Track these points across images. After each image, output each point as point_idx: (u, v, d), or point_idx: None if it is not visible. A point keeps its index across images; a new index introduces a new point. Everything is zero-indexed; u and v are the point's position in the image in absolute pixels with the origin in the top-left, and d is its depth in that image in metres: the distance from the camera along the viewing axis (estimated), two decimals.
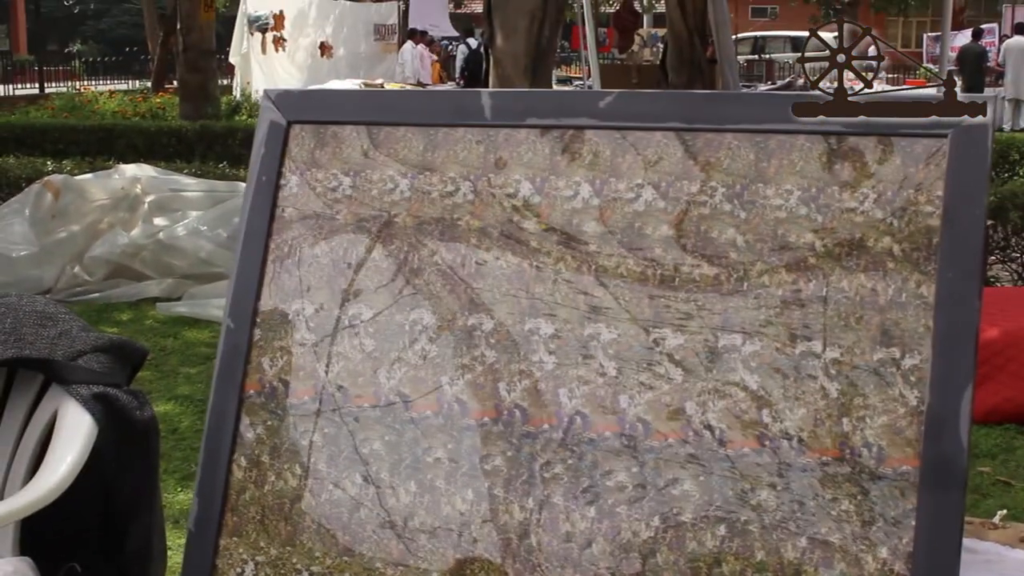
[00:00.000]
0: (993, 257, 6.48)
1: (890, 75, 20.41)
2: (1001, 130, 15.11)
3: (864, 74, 1.92)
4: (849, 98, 1.87)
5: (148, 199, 7.12)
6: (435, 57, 21.25)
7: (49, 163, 8.36)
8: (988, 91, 16.53)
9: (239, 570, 2.09)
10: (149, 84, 22.55)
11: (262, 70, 19.64)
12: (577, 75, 22.37)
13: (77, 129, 12.13)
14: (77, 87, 23.51)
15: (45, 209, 7.02)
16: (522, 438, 1.95)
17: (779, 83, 19.66)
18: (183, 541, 2.21)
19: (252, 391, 2.14)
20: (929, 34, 25.38)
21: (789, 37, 26.69)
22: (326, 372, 2.10)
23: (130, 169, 7.60)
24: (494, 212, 2.05)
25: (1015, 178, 9.20)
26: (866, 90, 1.88)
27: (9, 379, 2.30)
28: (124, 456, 2.24)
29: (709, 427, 1.85)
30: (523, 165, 2.05)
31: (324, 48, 21.32)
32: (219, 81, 17.81)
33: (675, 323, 1.89)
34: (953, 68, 16.79)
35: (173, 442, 4.37)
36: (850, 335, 1.79)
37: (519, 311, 1.99)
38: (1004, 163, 9.60)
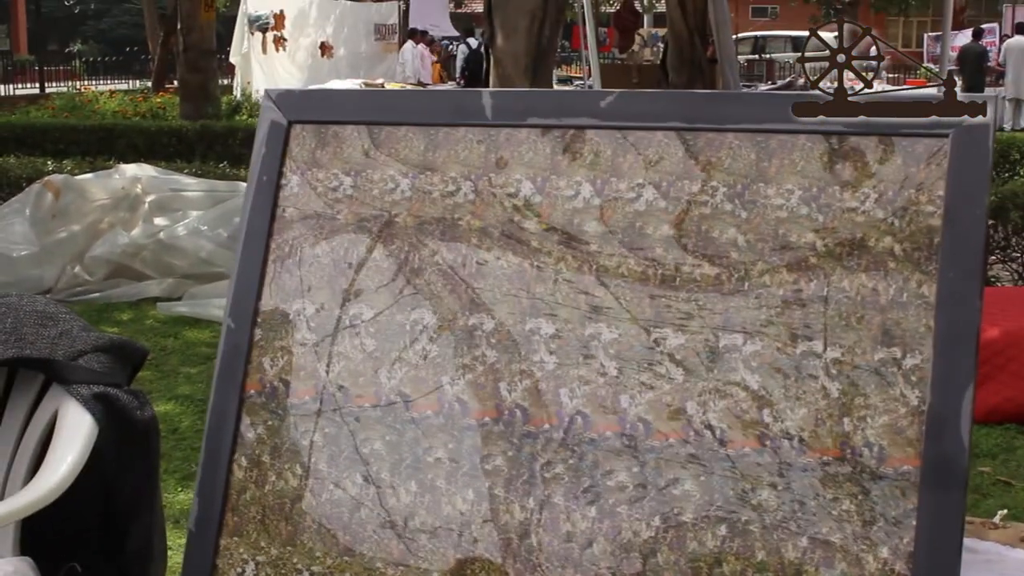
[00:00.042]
0: (993, 257, 6.48)
1: (890, 75, 20.42)
2: (1002, 130, 15.12)
3: (864, 74, 1.92)
4: (849, 98, 1.87)
5: (148, 199, 7.12)
6: (435, 57, 21.25)
7: (49, 163, 8.36)
8: (988, 91, 16.53)
9: (240, 570, 2.09)
10: (149, 84, 22.54)
11: (262, 70, 19.64)
12: (578, 75, 22.37)
13: (77, 129, 12.13)
14: (77, 87, 23.50)
15: (45, 209, 7.02)
16: (523, 438, 1.95)
17: (779, 83, 19.65)
18: (183, 541, 2.21)
19: (253, 391, 2.14)
20: (929, 34, 25.37)
21: (789, 37, 26.69)
22: (327, 372, 2.09)
23: (130, 169, 7.60)
24: (495, 212, 2.05)
25: (1016, 178, 9.19)
26: (866, 90, 1.88)
27: (10, 379, 2.30)
28: (124, 456, 2.24)
29: (710, 427, 1.85)
30: (524, 165, 2.05)
31: (325, 48, 21.32)
32: (219, 81, 17.81)
33: (676, 323, 1.89)
34: (953, 68, 16.79)
35: (173, 442, 4.37)
36: (851, 335, 1.79)
37: (520, 311, 1.99)
38: (1005, 163, 9.60)
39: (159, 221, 7.00)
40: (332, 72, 20.52)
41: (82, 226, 6.99)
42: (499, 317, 2.00)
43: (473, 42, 19.15)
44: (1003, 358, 4.53)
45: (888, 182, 1.82)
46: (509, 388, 1.97)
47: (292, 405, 2.11)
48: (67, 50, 36.06)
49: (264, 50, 20.00)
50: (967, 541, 1.88)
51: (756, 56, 25.57)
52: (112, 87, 23.41)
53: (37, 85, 24.91)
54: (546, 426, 1.94)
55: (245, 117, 16.19)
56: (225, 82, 20.23)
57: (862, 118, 1.86)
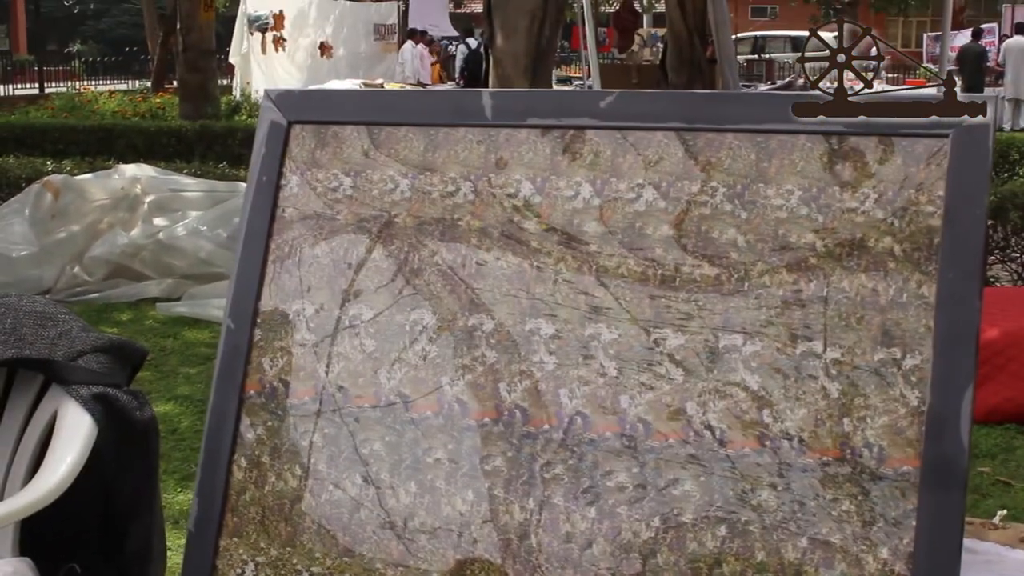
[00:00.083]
0: (993, 257, 6.48)
1: (890, 75, 20.42)
2: (1001, 130, 15.12)
3: (864, 74, 1.92)
4: (849, 98, 1.87)
5: (148, 199, 7.12)
6: (434, 58, 21.25)
7: (49, 163, 8.36)
8: (988, 91, 16.54)
9: (239, 571, 2.09)
10: (149, 84, 22.54)
11: (262, 70, 19.65)
12: (577, 75, 22.37)
13: (77, 129, 12.13)
14: (77, 87, 23.50)
15: (45, 209, 7.02)
16: (522, 438, 1.95)
17: (779, 83, 19.65)
18: (183, 541, 2.21)
19: (252, 391, 2.14)
20: (929, 34, 25.36)
21: (789, 37, 26.69)
22: (326, 372, 2.09)
23: (130, 169, 7.59)
24: (495, 212, 2.05)
25: (1015, 178, 9.20)
26: (866, 90, 1.88)
27: (9, 379, 2.30)
28: (124, 456, 2.24)
29: (710, 427, 1.85)
30: (524, 165, 2.05)
31: (324, 48, 21.32)
32: (219, 81, 17.81)
33: (676, 323, 1.89)
34: (953, 68, 16.79)
35: (173, 442, 4.37)
36: (851, 335, 1.79)
37: (519, 311, 1.99)
38: (1004, 163, 9.60)
39: (158, 221, 7.00)
40: (331, 72, 20.52)
41: (81, 226, 6.98)
42: (499, 317, 2.00)
43: (472, 42, 19.15)
44: (1003, 358, 4.53)
45: (888, 182, 1.82)
46: (509, 389, 1.97)
47: (292, 406, 2.11)
48: (66, 50, 36.07)
49: (263, 50, 20.00)
50: (967, 542, 1.88)
51: (755, 56, 25.57)
52: (111, 87, 23.41)
53: (36, 85, 24.91)
54: (546, 426, 1.94)
55: (244, 117, 16.18)
56: (224, 82, 20.22)
57: (862, 118, 1.86)
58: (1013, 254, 6.60)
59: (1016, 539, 2.31)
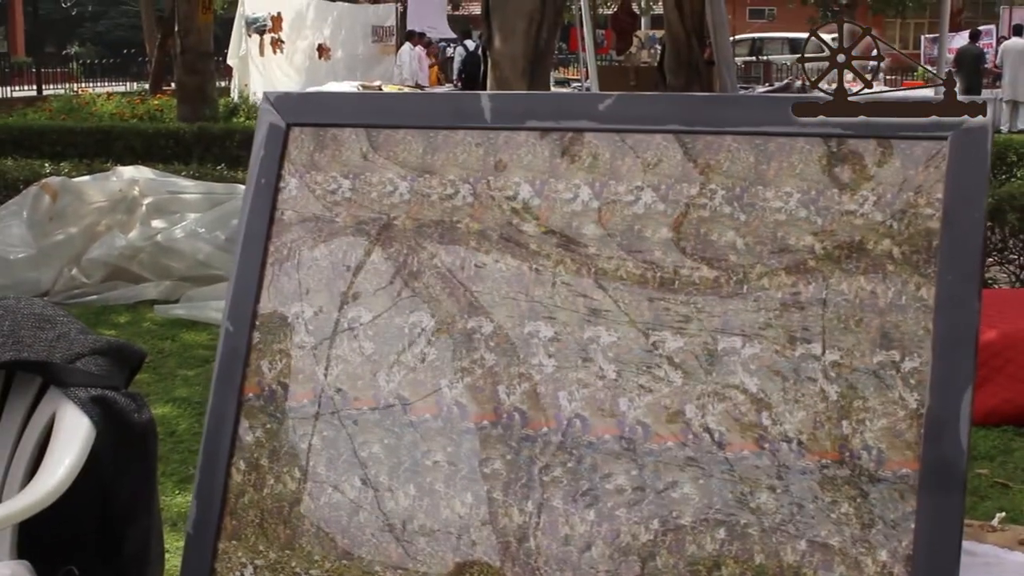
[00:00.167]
0: (991, 259, 6.48)
1: (887, 77, 20.43)
2: (999, 132, 15.13)
3: (864, 75, 1.92)
4: (849, 98, 1.87)
5: (146, 201, 7.12)
6: (432, 60, 21.26)
7: (47, 165, 8.36)
8: (986, 93, 16.56)
9: (238, 573, 2.09)
10: (147, 86, 22.52)
11: (260, 72, 19.64)
12: (575, 77, 22.37)
13: (75, 131, 12.12)
14: (75, 89, 23.48)
15: (43, 211, 7.01)
16: (521, 441, 1.95)
17: (777, 85, 19.66)
18: (181, 544, 2.21)
19: (251, 394, 2.14)
20: (927, 36, 25.40)
21: (787, 39, 26.69)
22: (325, 375, 2.09)
23: (128, 171, 7.59)
24: (493, 215, 2.05)
25: (1013, 179, 9.20)
26: (865, 91, 1.88)
27: (7, 381, 2.30)
28: (122, 459, 2.24)
29: (708, 430, 1.85)
30: (523, 168, 2.05)
31: (322, 50, 21.33)
32: (217, 83, 17.80)
33: (674, 326, 1.89)
34: (951, 70, 16.81)
35: (171, 444, 4.37)
36: (850, 338, 1.79)
37: (518, 314, 1.99)
38: (1002, 164, 9.60)
39: (156, 223, 6.99)
40: (330, 74, 20.54)
41: (79, 228, 6.98)
42: (497, 320, 2.00)
43: (470, 44, 19.15)
44: (1001, 360, 4.53)
45: (887, 185, 1.82)
46: (508, 391, 1.97)
47: (290, 408, 2.11)
48: (64, 52, 36.05)
49: (262, 52, 20.00)
50: (965, 544, 1.88)
51: (753, 58, 25.56)
52: (109, 89, 23.40)
53: (34, 87, 24.90)
54: (544, 429, 1.94)
55: (243, 119, 16.18)
56: (222, 84, 20.21)
57: (861, 120, 1.85)
58: (1011, 256, 6.60)
59: (1015, 541, 2.31)
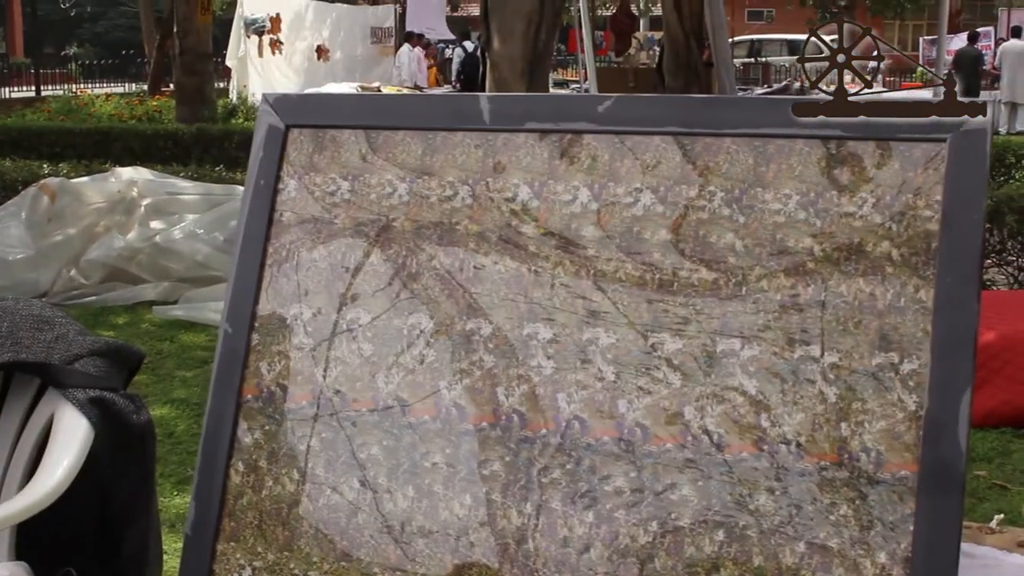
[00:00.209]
0: (989, 260, 6.48)
1: (886, 78, 20.44)
2: (997, 133, 15.14)
3: (864, 75, 1.92)
4: (849, 98, 1.86)
5: (144, 202, 7.12)
6: (431, 61, 21.27)
7: (45, 166, 8.36)
8: (984, 94, 16.57)
9: (236, 575, 2.08)
10: (145, 87, 22.51)
11: (259, 73, 19.65)
12: (574, 78, 22.38)
13: (73, 132, 12.12)
14: (73, 90, 23.46)
15: (41, 212, 7.01)
16: (520, 443, 1.95)
17: (775, 86, 19.65)
18: (179, 545, 2.21)
19: (250, 396, 2.14)
20: (925, 37, 25.42)
21: (785, 40, 26.71)
22: (324, 376, 2.09)
23: (126, 172, 7.59)
24: (492, 216, 2.05)
25: (1011, 181, 9.21)
26: (865, 91, 1.88)
27: (6, 382, 2.30)
28: (120, 460, 2.24)
29: (707, 432, 1.85)
30: (522, 169, 2.05)
31: (321, 51, 21.34)
32: (216, 84, 17.80)
33: (673, 327, 1.89)
34: (950, 70, 16.83)
35: (169, 446, 4.36)
36: (849, 340, 1.79)
37: (517, 316, 1.99)
38: (1000, 166, 9.61)
39: (155, 224, 6.99)
40: (328, 75, 20.55)
41: (78, 229, 6.98)
42: (496, 322, 2.00)
43: (469, 45, 19.15)
44: (999, 362, 4.54)
45: (886, 187, 1.82)
46: (506, 393, 1.97)
47: (289, 410, 2.11)
48: (63, 53, 36.05)
49: (260, 53, 20.01)
50: (964, 546, 1.88)
51: (752, 59, 25.57)
52: (108, 90, 23.38)
53: (33, 88, 24.88)
54: (543, 431, 1.94)
55: (241, 120, 16.18)
56: (221, 85, 20.20)
57: (860, 121, 1.85)
58: (1009, 257, 6.61)
59: (1013, 543, 2.31)
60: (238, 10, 20.07)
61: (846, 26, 1.97)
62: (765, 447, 1.81)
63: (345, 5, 22.38)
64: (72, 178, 7.49)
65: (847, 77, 1.91)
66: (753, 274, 1.86)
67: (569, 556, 1.89)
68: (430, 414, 2.01)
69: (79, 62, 29.69)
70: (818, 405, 1.79)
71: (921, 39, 25.91)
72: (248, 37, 19.88)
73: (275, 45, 20.27)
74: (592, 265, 1.96)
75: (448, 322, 2.03)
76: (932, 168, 1.80)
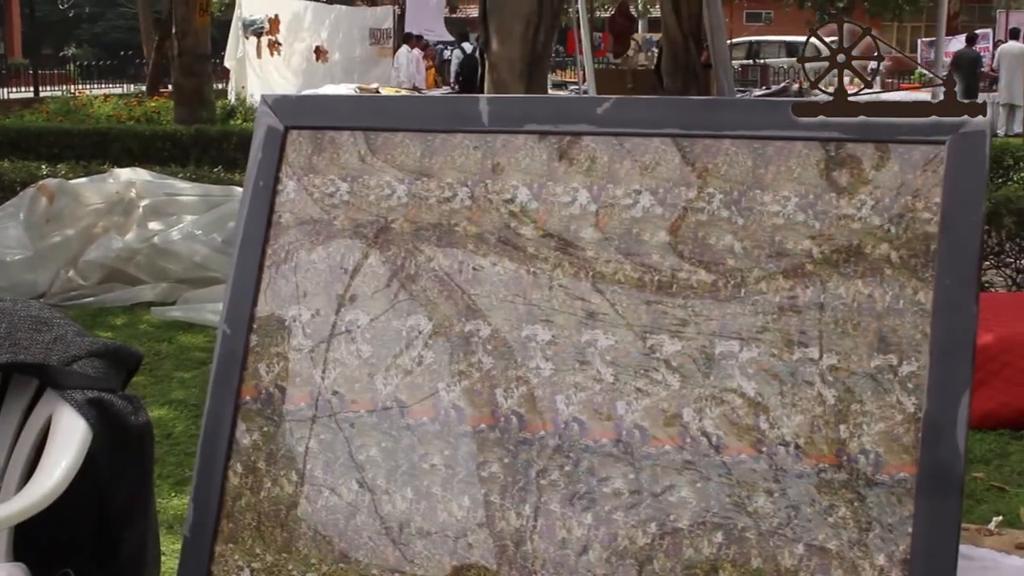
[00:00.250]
0: (987, 262, 6.49)
1: (885, 80, 20.46)
2: (995, 135, 15.12)
3: (864, 75, 1.92)
4: (849, 98, 1.86)
5: (143, 203, 7.11)
6: (429, 63, 21.28)
7: (44, 167, 8.35)
8: (982, 96, 16.59)
9: None
10: (144, 88, 22.50)
11: (257, 74, 19.64)
12: (572, 80, 22.38)
13: (72, 133, 12.11)
14: (72, 91, 23.43)
15: (39, 213, 7.00)
16: (518, 444, 1.95)
17: (774, 88, 19.67)
18: (177, 546, 2.21)
19: (248, 397, 2.13)
20: (923, 39, 25.44)
21: (784, 42, 26.73)
22: (322, 378, 2.09)
23: (125, 173, 7.58)
24: (491, 218, 2.05)
25: (1009, 183, 9.22)
26: (865, 91, 1.88)
27: (4, 384, 2.30)
28: (118, 461, 2.24)
29: (706, 433, 1.85)
30: (520, 171, 2.05)
31: (319, 52, 21.33)
32: (214, 85, 17.79)
33: (672, 329, 1.89)
34: (949, 71, 16.84)
35: (167, 447, 4.36)
36: (847, 342, 1.79)
37: (516, 317, 1.99)
38: (998, 168, 9.61)
39: (153, 225, 6.99)
40: (327, 76, 20.55)
41: (76, 230, 6.97)
42: (495, 323, 2.00)
43: (468, 47, 19.16)
44: (997, 363, 4.54)
45: (885, 189, 1.82)
46: (505, 394, 1.97)
47: (288, 411, 2.11)
48: (61, 54, 36.05)
49: (259, 54, 20.00)
50: (962, 548, 1.88)
51: (750, 61, 25.59)
52: (107, 91, 23.36)
53: (31, 89, 24.87)
54: (542, 433, 1.94)
55: (240, 121, 16.16)
56: (220, 86, 20.19)
57: (859, 123, 1.85)
58: (1007, 259, 6.61)
59: (1011, 545, 2.31)
60: (236, 11, 20.05)
61: (846, 26, 1.97)
62: (764, 449, 1.81)
63: (344, 6, 22.39)
64: (70, 179, 7.48)
65: (846, 78, 1.91)
66: (752, 276, 1.87)
67: (567, 558, 1.89)
68: (428, 415, 2.01)
69: (77, 63, 29.68)
70: (817, 407, 1.79)
71: (919, 41, 25.92)
72: (246, 38, 19.87)
73: (273, 46, 20.26)
74: (591, 267, 1.96)
75: (447, 323, 2.03)
76: (931, 170, 1.80)
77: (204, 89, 15.82)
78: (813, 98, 1.91)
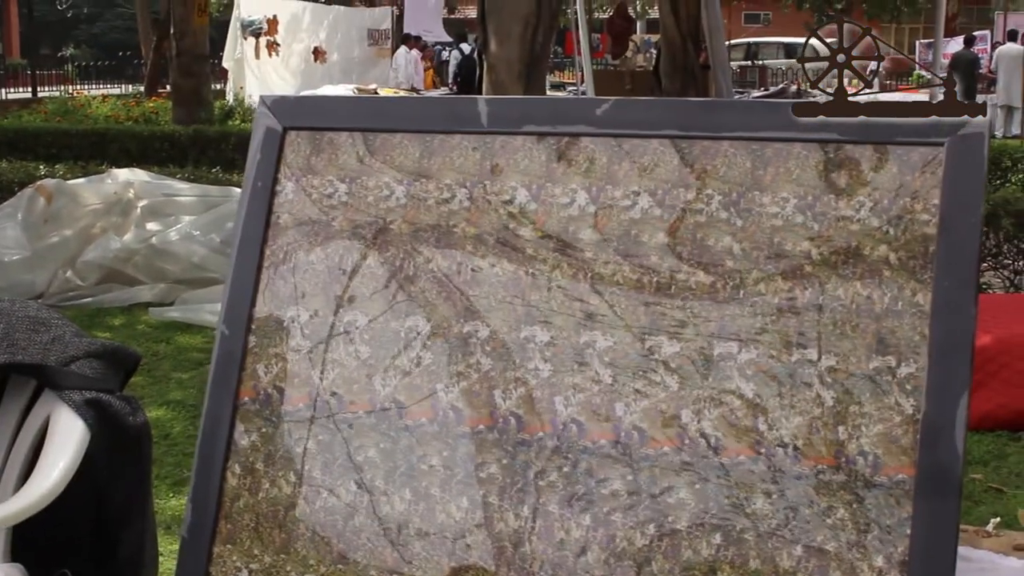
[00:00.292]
0: (985, 264, 6.50)
1: (883, 81, 20.47)
2: (994, 137, 15.17)
3: (863, 75, 1.92)
4: (849, 98, 1.86)
5: (141, 204, 7.11)
6: (428, 64, 21.28)
7: (42, 167, 8.34)
8: (980, 98, 16.61)
9: None
10: (142, 89, 22.48)
11: (255, 75, 19.62)
12: (571, 81, 22.39)
13: (70, 133, 12.11)
14: (70, 91, 23.44)
15: (38, 213, 7.00)
16: (517, 446, 1.95)
17: (772, 89, 19.68)
18: (175, 547, 2.21)
19: (247, 398, 2.13)
20: (922, 41, 25.46)
21: (782, 43, 26.74)
22: (320, 379, 2.09)
23: (123, 174, 7.57)
24: (490, 219, 2.04)
25: (1007, 185, 9.22)
26: (864, 91, 1.88)
27: (1, 384, 2.29)
28: (116, 462, 2.24)
29: (704, 435, 1.85)
30: (519, 172, 2.05)
31: (318, 53, 21.32)
32: (212, 86, 17.78)
33: (670, 331, 1.89)
34: (948, 72, 16.85)
35: (165, 448, 4.36)
36: (846, 343, 1.79)
37: (514, 318, 1.99)
38: (996, 170, 9.62)
39: (151, 226, 6.98)
40: (325, 77, 20.53)
41: (74, 231, 6.97)
42: (493, 325, 2.00)
43: (466, 48, 19.18)
44: (995, 365, 4.54)
45: (883, 190, 1.82)
46: (503, 396, 1.97)
47: (286, 412, 2.11)
48: (60, 54, 36.02)
49: (257, 55, 19.99)
50: (961, 549, 1.88)
51: (749, 62, 25.60)
52: (105, 91, 23.35)
53: (29, 89, 24.87)
54: (540, 434, 1.94)
55: (238, 122, 16.16)
56: (218, 87, 20.18)
57: (858, 124, 1.85)
58: (1005, 261, 6.62)
59: (1009, 546, 2.31)
60: (235, 12, 20.04)
61: (845, 27, 1.98)
62: (762, 450, 1.81)
63: (342, 7, 22.38)
64: (68, 179, 7.48)
65: (845, 79, 1.91)
66: (750, 277, 1.87)
67: (566, 559, 1.89)
68: (427, 416, 2.01)
69: (76, 63, 29.68)
70: (815, 408, 1.79)
71: (917, 43, 25.95)
72: (245, 39, 19.86)
73: (272, 47, 20.25)
74: (589, 268, 1.96)
75: (445, 325, 2.03)
76: (929, 172, 1.80)
77: (202, 90, 15.81)
78: (813, 99, 1.91)
